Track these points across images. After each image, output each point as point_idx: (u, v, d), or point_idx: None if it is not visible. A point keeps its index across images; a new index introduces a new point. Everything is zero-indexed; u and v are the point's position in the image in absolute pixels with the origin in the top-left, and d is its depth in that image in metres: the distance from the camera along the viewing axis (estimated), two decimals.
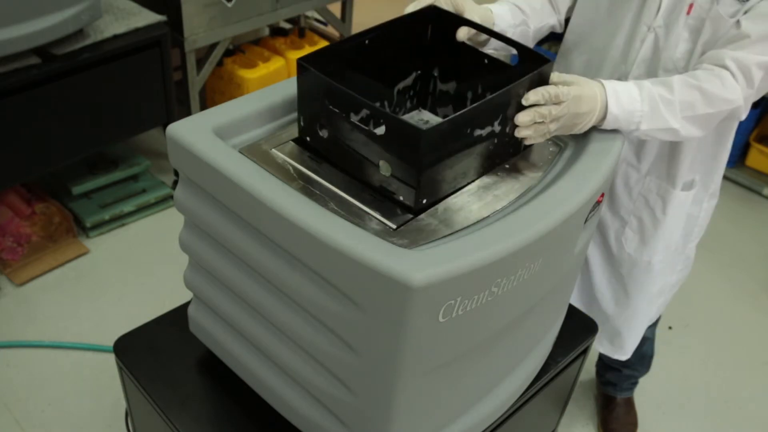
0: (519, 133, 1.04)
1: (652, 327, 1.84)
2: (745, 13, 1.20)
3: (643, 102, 1.13)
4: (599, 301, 1.68)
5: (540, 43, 3.52)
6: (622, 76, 1.37)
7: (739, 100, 1.19)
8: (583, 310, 1.61)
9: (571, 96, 1.06)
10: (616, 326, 1.70)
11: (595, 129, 1.14)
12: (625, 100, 1.12)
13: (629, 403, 2.11)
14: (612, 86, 1.12)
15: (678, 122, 1.16)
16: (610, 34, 1.37)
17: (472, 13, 1.21)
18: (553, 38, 3.53)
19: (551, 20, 1.44)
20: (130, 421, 1.50)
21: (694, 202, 1.51)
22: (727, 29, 1.22)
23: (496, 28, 1.29)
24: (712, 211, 1.56)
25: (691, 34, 1.28)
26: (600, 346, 1.78)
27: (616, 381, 2.05)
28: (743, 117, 1.24)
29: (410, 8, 1.17)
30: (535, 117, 1.03)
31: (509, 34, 1.33)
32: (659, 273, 1.59)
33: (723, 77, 1.17)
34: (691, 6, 1.25)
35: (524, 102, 1.03)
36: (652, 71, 1.34)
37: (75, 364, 2.12)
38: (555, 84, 1.07)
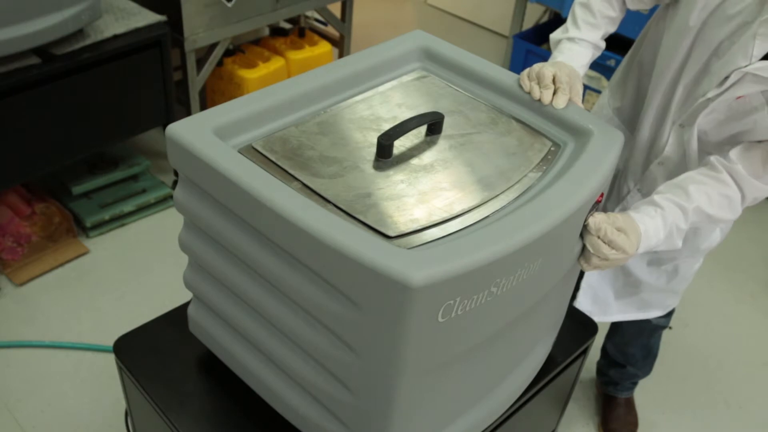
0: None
1: (667, 317, 1.85)
2: None
3: (664, 236, 1.24)
4: (631, 270, 1.68)
5: None
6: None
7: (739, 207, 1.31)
8: (609, 281, 1.68)
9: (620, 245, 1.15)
10: (648, 294, 1.71)
11: (594, 128, 1.14)
12: (653, 242, 1.22)
13: (629, 403, 2.11)
14: (644, 229, 1.20)
15: (681, 240, 1.27)
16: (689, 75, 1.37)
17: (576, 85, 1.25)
18: None
19: (611, 30, 1.44)
20: (130, 421, 1.50)
21: None
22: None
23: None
24: None
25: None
26: (626, 315, 1.77)
27: (618, 380, 2.05)
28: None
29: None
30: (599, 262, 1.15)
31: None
32: (705, 235, 1.63)
33: (732, 199, 1.27)
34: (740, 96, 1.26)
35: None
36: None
37: (75, 364, 2.12)
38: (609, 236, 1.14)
